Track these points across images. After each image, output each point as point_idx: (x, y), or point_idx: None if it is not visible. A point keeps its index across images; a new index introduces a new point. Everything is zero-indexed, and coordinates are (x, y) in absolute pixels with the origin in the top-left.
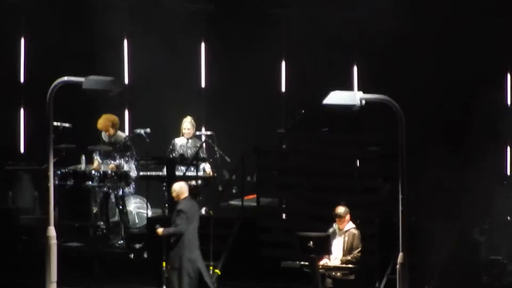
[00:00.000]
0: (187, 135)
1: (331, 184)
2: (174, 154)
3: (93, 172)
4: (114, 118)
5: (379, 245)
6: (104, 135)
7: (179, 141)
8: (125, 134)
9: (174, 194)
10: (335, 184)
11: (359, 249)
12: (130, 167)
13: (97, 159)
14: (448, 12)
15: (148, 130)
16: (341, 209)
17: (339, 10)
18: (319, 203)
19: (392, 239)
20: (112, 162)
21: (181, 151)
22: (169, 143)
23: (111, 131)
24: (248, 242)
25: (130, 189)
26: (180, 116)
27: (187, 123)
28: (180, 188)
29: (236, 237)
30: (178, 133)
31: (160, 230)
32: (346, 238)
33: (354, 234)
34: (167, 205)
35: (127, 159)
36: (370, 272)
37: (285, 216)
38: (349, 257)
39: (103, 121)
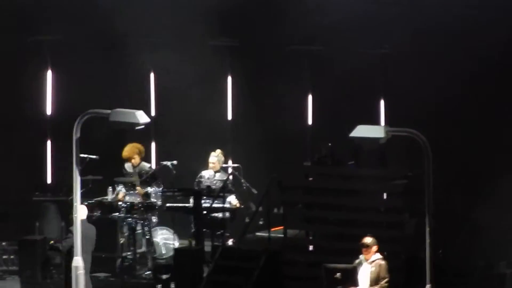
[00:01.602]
0: (213, 169)
1: (357, 218)
2: (201, 186)
3: (120, 203)
4: (140, 146)
5: (405, 279)
6: (128, 166)
7: (207, 174)
8: (149, 164)
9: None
10: (361, 218)
11: (386, 279)
12: (156, 198)
13: (121, 190)
14: (480, 45)
15: (174, 162)
16: (368, 240)
17: (363, 45)
18: (345, 237)
19: (418, 273)
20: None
21: (208, 183)
22: (196, 175)
23: (137, 159)
24: (273, 275)
25: (156, 220)
26: (207, 148)
27: (213, 157)
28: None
29: (262, 269)
30: (205, 165)
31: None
32: (373, 269)
33: (381, 265)
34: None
35: (153, 190)
36: None
37: (312, 249)
38: None
39: (129, 149)
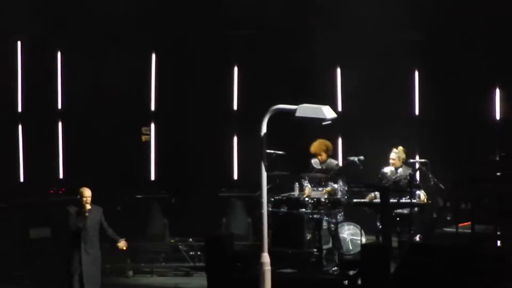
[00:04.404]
0: (393, 165)
1: None
2: (382, 182)
3: (306, 199)
4: (328, 144)
5: None
6: (315, 162)
7: (388, 170)
8: (336, 161)
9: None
10: None
11: None
12: (342, 194)
13: (307, 186)
14: None
15: (362, 157)
16: None
17: None
18: None
19: None
20: (327, 187)
21: (392, 179)
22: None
23: (324, 156)
24: (461, 270)
25: (342, 215)
26: (393, 143)
27: (393, 154)
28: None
29: (449, 264)
30: (388, 161)
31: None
32: None
33: None
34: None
35: (339, 186)
36: None
37: (500, 244)
38: None
39: (317, 145)
